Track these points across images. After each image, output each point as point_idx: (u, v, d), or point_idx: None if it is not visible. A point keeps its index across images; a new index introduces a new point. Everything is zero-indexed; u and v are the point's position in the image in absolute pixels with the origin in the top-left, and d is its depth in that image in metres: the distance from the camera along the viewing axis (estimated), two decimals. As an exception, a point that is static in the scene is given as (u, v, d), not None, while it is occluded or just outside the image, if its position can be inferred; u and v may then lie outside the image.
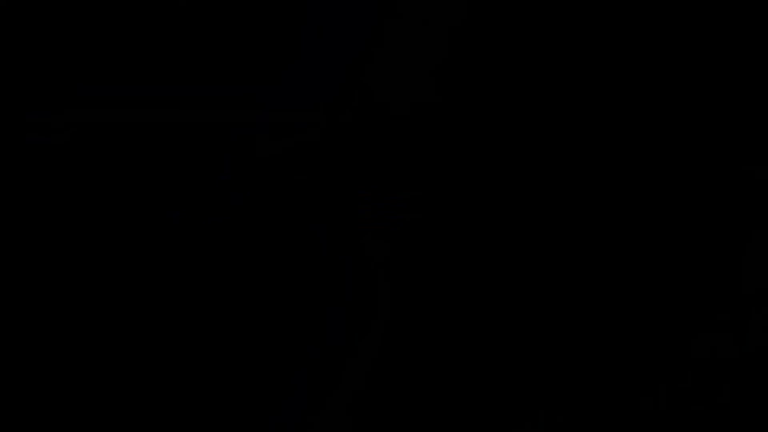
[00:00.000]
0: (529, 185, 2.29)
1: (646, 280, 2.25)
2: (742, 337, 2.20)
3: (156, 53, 2.33)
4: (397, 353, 2.27)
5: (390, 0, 2.23)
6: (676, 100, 2.30)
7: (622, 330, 2.24)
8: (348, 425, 2.25)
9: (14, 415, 2.23)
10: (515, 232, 2.29)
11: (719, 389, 2.19)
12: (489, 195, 2.30)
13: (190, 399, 2.26)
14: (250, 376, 2.27)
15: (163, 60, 2.34)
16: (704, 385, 2.19)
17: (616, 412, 2.21)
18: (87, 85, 2.31)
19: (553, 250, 2.28)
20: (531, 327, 2.25)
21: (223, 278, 2.30)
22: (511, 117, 2.29)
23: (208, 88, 2.33)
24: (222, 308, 2.29)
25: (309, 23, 2.32)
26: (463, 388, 2.25)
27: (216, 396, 2.26)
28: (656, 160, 2.27)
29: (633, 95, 2.29)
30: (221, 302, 2.29)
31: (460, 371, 2.26)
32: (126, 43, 2.32)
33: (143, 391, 2.25)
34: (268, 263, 2.31)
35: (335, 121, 2.31)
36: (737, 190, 2.24)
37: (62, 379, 2.25)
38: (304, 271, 2.31)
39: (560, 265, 2.27)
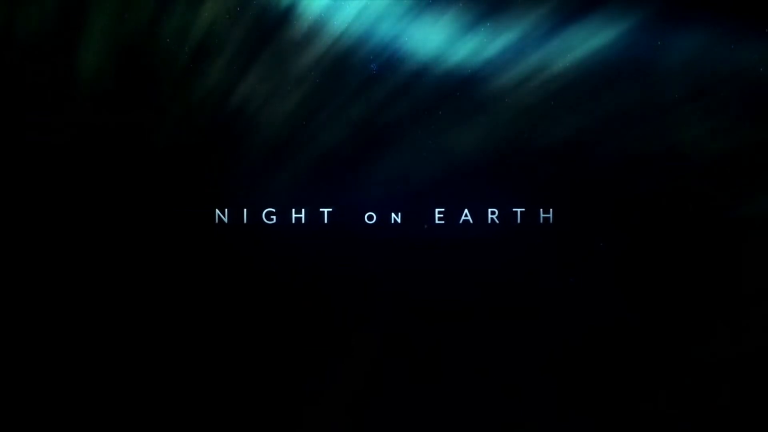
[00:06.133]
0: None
1: (646, 280, 2.25)
2: (742, 337, 2.20)
3: None
4: (397, 353, 2.28)
5: None
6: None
7: (621, 330, 2.24)
8: (348, 425, 2.25)
9: (14, 414, 2.24)
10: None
11: (719, 389, 2.20)
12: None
13: (190, 398, 2.26)
14: (250, 375, 2.27)
15: None
16: (704, 385, 2.20)
17: (617, 412, 2.22)
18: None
19: (552, 249, 2.28)
20: (530, 326, 2.26)
21: (223, 277, 2.30)
22: None
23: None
24: (221, 308, 2.29)
25: None
26: (462, 387, 2.26)
27: (216, 395, 2.26)
28: (655, 161, 2.27)
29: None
30: (221, 302, 2.29)
31: (460, 371, 2.26)
32: None
33: (142, 389, 2.26)
34: (268, 263, 2.31)
35: None
36: (737, 189, 2.24)
37: (62, 378, 2.26)
38: (304, 271, 2.31)
39: (560, 264, 2.28)
